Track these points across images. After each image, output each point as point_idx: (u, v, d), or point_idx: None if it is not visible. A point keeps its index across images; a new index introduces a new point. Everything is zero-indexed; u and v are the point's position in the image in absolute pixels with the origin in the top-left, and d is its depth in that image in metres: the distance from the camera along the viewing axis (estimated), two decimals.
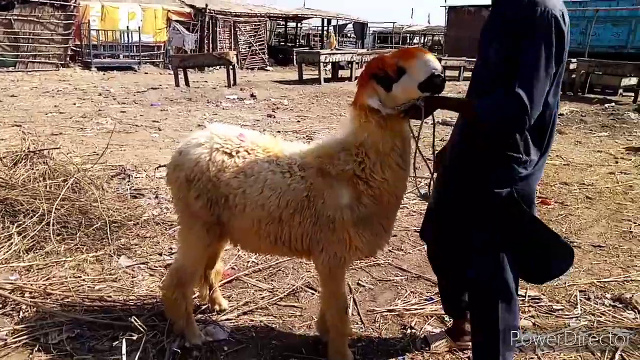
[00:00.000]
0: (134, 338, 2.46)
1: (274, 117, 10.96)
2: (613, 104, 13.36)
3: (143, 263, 3.73)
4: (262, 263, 3.84)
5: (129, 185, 5.45)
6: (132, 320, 2.54)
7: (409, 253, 4.14)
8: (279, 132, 9.28)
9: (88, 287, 3.33)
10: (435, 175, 2.56)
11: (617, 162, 7.27)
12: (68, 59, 21.33)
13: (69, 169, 5.16)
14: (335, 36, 35.00)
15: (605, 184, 6.12)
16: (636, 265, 3.90)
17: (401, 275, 3.74)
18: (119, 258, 3.76)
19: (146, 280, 3.49)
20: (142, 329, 2.47)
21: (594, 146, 8.47)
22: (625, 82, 15.26)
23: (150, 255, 3.88)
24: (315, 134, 9.13)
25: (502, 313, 2.32)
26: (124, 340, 2.37)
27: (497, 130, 2.18)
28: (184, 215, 2.68)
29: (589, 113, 11.64)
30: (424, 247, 4.19)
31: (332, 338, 2.68)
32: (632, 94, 15.00)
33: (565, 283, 3.61)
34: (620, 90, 15.72)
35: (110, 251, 3.83)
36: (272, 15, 29.61)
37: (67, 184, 4.73)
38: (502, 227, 2.29)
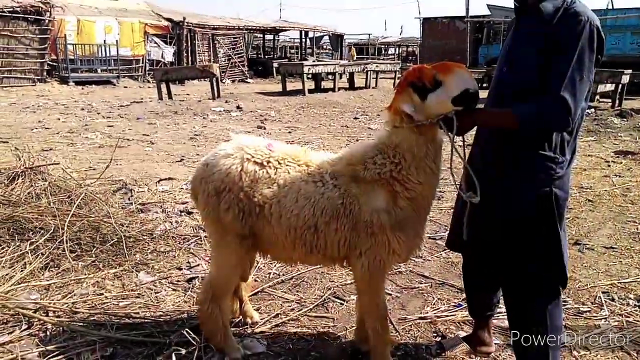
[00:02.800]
0: (182, 353, 2.39)
1: (265, 129, 10.93)
2: (593, 109, 13.71)
3: (164, 278, 3.64)
4: (284, 274, 3.79)
5: (133, 199, 5.34)
6: (185, 332, 2.48)
7: (428, 260, 4.14)
8: None
9: (112, 304, 3.24)
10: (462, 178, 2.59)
11: (609, 166, 7.45)
12: (45, 73, 20.93)
13: (70, 185, 5.05)
14: (313, 48, 35.31)
15: (603, 187, 6.25)
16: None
17: (425, 283, 3.73)
18: (138, 274, 3.66)
19: (170, 295, 3.40)
20: (194, 342, 2.40)
21: (584, 150, 8.65)
22: (601, 88, 15.71)
23: (169, 270, 3.79)
24: (309, 144, 9.12)
25: (553, 309, 2.36)
26: (173, 355, 2.30)
27: (539, 134, 2.25)
28: (215, 228, 2.62)
29: None
30: (442, 254, 4.23)
31: (375, 346, 2.65)
32: (609, 100, 15.48)
33: (587, 285, 3.66)
34: (597, 97, 16.17)
35: (129, 267, 3.73)
36: (250, 27, 29.65)
37: (73, 200, 4.62)
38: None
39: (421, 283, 3.74)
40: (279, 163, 2.52)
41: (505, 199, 2.35)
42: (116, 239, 3.99)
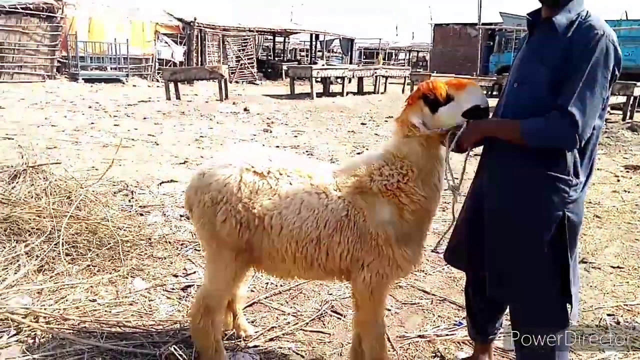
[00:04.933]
0: None
1: (271, 132, 10.87)
2: (604, 122, 13.55)
3: (159, 285, 3.57)
4: (281, 285, 3.72)
5: (133, 202, 5.29)
6: (173, 349, 2.40)
7: (430, 275, 4.05)
8: (277, 146, 9.19)
9: (105, 311, 3.17)
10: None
11: (618, 181, 7.32)
12: (55, 70, 21.03)
13: (70, 185, 5.01)
14: (323, 51, 35.29)
15: (612, 203, 6.13)
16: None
17: (426, 298, 3.64)
18: (133, 280, 3.60)
19: (164, 304, 3.33)
20: (182, 358, 2.33)
21: None
22: (612, 100, 15.53)
23: (165, 276, 3.72)
24: (314, 149, 9.06)
25: (558, 345, 2.26)
26: None
27: (547, 151, 2.15)
28: (210, 240, 2.54)
29: None
30: (444, 268, 4.13)
31: None
32: (620, 112, 15.31)
33: (592, 306, 3.56)
34: (608, 109, 15.98)
35: (124, 272, 3.67)
36: (260, 30, 29.66)
37: (72, 201, 4.58)
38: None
39: (422, 299, 3.65)
40: (280, 174, 2.45)
41: (514, 220, 2.25)
42: (112, 243, 3.93)
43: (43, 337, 2.83)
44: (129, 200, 5.36)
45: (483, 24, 28.10)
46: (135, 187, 5.85)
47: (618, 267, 4.27)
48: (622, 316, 3.45)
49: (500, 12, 28.45)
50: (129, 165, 7.01)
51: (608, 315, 3.45)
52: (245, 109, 14.21)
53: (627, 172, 7.94)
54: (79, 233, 4.01)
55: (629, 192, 6.70)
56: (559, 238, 2.17)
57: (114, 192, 5.58)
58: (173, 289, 3.55)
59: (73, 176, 5.32)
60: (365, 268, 2.37)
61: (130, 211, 4.97)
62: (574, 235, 2.22)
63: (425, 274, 4.06)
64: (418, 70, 31.96)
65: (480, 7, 26.09)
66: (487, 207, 2.36)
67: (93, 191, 5.24)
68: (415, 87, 18.64)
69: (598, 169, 8.06)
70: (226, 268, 2.50)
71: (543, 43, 2.20)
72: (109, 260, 3.82)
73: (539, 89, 2.14)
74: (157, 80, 22.38)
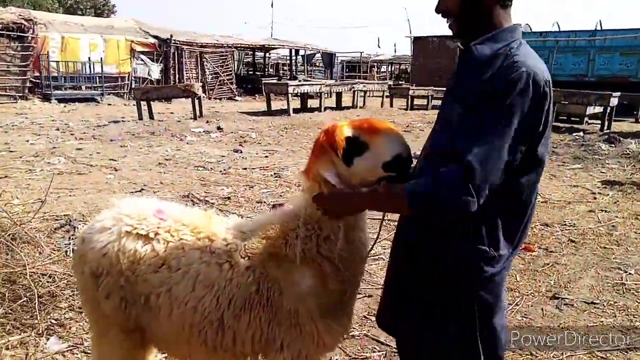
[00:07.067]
0: None
1: (241, 152, 10.50)
2: (581, 133, 13.41)
3: (77, 345, 3.16)
4: None
5: (72, 239, 4.86)
6: None
7: None
8: (245, 168, 8.83)
9: None
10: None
11: (595, 198, 7.04)
12: (27, 91, 20.52)
13: (3, 223, 4.60)
14: (305, 66, 35.11)
15: (588, 224, 5.83)
16: (637, 327, 3.53)
17: (379, 351, 3.27)
18: (47, 340, 3.18)
19: None
20: None
21: (569, 180, 8.27)
22: (590, 110, 15.44)
23: (87, 333, 3.29)
24: (283, 171, 8.71)
25: None
26: None
27: (433, 214, 1.60)
28: (94, 317, 2.14)
29: (560, 144, 11.55)
30: None
31: None
32: (598, 121, 15.22)
33: (562, 354, 3.21)
34: (586, 119, 15.90)
35: (40, 330, 3.25)
36: (239, 45, 29.40)
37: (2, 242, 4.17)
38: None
39: (374, 351, 3.27)
40: (171, 235, 2.01)
41: (420, 298, 1.78)
42: (29, 296, 3.51)
43: None
44: (69, 238, 4.93)
45: None
46: (80, 221, 5.42)
47: (592, 302, 3.94)
48: None
49: None
50: (79, 196, 6.57)
51: None
52: (218, 128, 13.85)
53: (605, 187, 7.68)
54: None
55: (605, 211, 6.42)
56: (468, 324, 1.71)
57: (55, 229, 5.15)
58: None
59: (7, 213, 4.89)
60: (285, 349, 1.95)
61: (66, 251, 4.55)
62: (489, 319, 1.73)
63: None
64: (400, 83, 31.84)
65: None
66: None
67: (30, 228, 4.84)
68: (393, 101, 18.16)
69: (575, 186, 7.81)
70: (114, 351, 2.09)
71: (464, 79, 1.71)
72: (26, 315, 3.40)
73: (455, 133, 1.59)
74: (134, 99, 21.97)
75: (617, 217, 6.15)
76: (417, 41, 33.19)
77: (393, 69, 47.11)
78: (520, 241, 1.75)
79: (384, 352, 3.24)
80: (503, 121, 1.52)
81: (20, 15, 20.75)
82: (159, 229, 2.00)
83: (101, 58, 22.29)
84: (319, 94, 19.27)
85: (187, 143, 11.64)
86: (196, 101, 15.67)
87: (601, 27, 21.46)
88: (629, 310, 3.82)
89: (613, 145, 10.69)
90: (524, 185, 1.66)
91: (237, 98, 25.95)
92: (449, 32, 1.82)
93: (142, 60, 24.33)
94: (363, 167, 1.77)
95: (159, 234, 1.99)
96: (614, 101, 14.77)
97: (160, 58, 24.74)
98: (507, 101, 1.51)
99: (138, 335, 2.06)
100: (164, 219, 2.05)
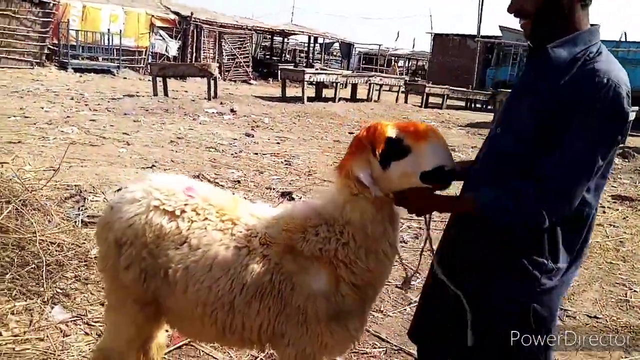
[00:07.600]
0: None
1: (253, 137, 10.50)
2: None
3: (80, 315, 3.19)
4: None
5: (82, 210, 4.90)
6: None
7: (389, 316, 3.69)
8: (256, 153, 8.84)
9: (7, 347, 2.79)
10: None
11: (604, 212, 6.99)
12: (44, 57, 20.58)
13: (15, 188, 4.63)
14: (322, 54, 34.96)
15: (595, 238, 5.79)
16: (637, 346, 3.52)
17: (379, 347, 3.28)
18: (52, 308, 3.22)
19: (79, 341, 2.95)
20: None
21: None
22: None
23: (92, 305, 3.34)
24: (294, 159, 8.71)
25: None
26: None
27: (504, 224, 1.67)
28: (112, 287, 2.17)
29: None
30: (406, 309, 3.78)
31: None
32: None
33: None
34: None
35: (45, 298, 3.29)
36: (258, 28, 29.30)
37: (11, 207, 4.19)
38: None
39: (375, 347, 3.28)
40: (197, 214, 2.03)
41: (477, 306, 1.77)
42: (37, 262, 3.54)
43: None
44: (79, 209, 4.97)
45: (482, 37, 27.89)
46: (90, 192, 5.46)
47: (595, 317, 3.93)
48: None
49: (499, 26, 28.23)
50: (91, 167, 6.61)
51: None
52: (232, 110, 13.83)
53: (615, 202, 7.62)
54: (5, 248, 3.63)
55: (614, 225, 6.37)
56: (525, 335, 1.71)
57: (65, 198, 5.19)
58: (96, 321, 3.16)
59: (19, 178, 4.93)
60: (290, 345, 1.95)
61: (75, 221, 4.59)
62: (546, 332, 1.72)
63: (385, 315, 3.70)
64: (415, 79, 31.63)
65: (480, 19, 25.87)
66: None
67: (41, 195, 4.88)
68: (408, 97, 18.00)
69: None
70: (128, 323, 2.12)
71: (536, 80, 1.67)
72: (32, 283, 3.43)
73: (522, 138, 1.64)
74: (150, 74, 21.99)
75: (625, 232, 6.11)
76: (437, 38, 32.92)
77: (410, 64, 46.78)
78: (580, 254, 1.72)
79: (385, 349, 3.26)
80: (597, 147, 1.53)
81: None
82: (185, 206, 2.02)
83: (120, 30, 22.29)
84: (334, 84, 19.18)
85: (200, 123, 11.65)
86: (212, 82, 15.65)
87: (626, 38, 21.20)
88: (632, 327, 3.80)
89: (627, 160, 10.60)
90: (592, 202, 1.66)
91: (252, 81, 25.88)
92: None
93: (160, 35, 24.31)
94: (399, 172, 1.74)
95: (185, 212, 2.01)
96: (632, 115, 14.57)
97: (179, 35, 24.72)
98: (600, 119, 1.50)
99: (152, 309, 2.09)
100: (192, 196, 2.06)
